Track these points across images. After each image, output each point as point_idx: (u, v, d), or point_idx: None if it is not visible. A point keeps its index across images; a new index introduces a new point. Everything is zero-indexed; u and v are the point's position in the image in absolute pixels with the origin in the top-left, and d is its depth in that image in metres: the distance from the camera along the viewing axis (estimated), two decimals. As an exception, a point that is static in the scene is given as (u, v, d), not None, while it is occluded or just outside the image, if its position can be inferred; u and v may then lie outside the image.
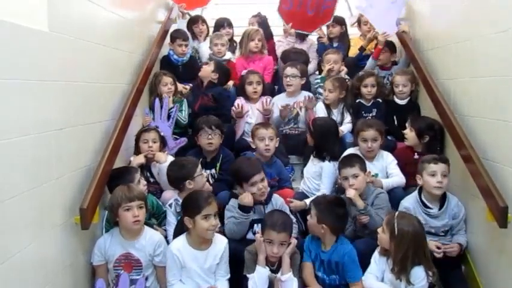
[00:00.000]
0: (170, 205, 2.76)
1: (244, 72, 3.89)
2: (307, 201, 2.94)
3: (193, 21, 4.49)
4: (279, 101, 3.68)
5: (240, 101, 3.63)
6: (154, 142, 3.11)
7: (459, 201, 2.70)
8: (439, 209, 2.66)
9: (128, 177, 2.65)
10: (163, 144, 3.20)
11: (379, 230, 2.37)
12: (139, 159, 3.01)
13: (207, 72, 3.73)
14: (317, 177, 3.10)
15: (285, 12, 4.20)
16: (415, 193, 2.73)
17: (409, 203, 2.71)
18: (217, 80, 3.76)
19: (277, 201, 2.75)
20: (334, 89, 3.57)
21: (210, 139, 3.15)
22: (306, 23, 4.19)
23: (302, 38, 4.40)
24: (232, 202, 2.68)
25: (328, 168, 3.05)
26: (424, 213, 2.67)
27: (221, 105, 3.69)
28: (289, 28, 4.25)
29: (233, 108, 3.56)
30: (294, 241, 2.44)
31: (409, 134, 3.19)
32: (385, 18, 3.79)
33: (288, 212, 2.67)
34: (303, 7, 4.16)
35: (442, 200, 2.68)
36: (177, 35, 4.10)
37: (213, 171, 3.20)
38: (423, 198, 2.69)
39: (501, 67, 2.39)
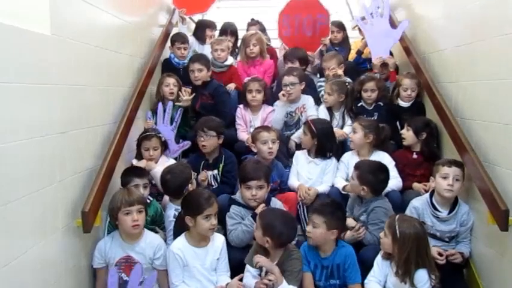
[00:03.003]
0: (175, 217, 2.71)
1: (247, 79, 3.88)
2: (320, 188, 3.03)
3: (208, 25, 4.54)
4: (280, 106, 3.65)
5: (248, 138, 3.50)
6: (155, 149, 3.12)
7: (470, 211, 2.68)
8: (449, 213, 2.66)
9: (141, 172, 2.82)
10: (164, 147, 3.22)
11: (381, 234, 2.38)
12: (141, 164, 3.04)
13: (188, 101, 3.69)
14: (319, 175, 3.14)
15: (286, 38, 4.28)
16: (427, 195, 2.75)
17: (418, 203, 2.72)
18: (209, 76, 3.78)
19: (276, 204, 2.76)
20: (332, 92, 3.57)
21: (203, 141, 3.17)
22: (307, 43, 4.24)
23: None
24: (234, 209, 2.69)
25: (333, 163, 3.16)
26: (432, 215, 2.67)
27: (219, 101, 3.71)
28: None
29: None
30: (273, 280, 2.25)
31: (407, 133, 3.21)
32: (381, 42, 3.80)
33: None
34: (301, 30, 4.25)
35: (453, 205, 2.67)
36: (176, 38, 4.13)
37: (215, 172, 3.20)
38: (434, 201, 2.69)
39: (502, 70, 2.39)
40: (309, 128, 3.19)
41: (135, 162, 3.11)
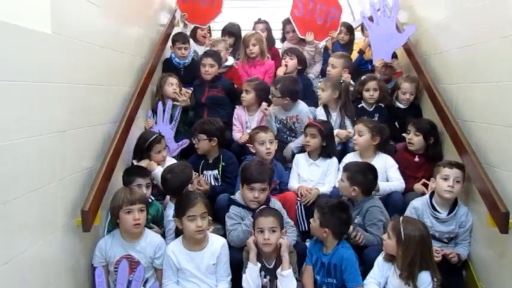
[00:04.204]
0: (174, 216, 2.70)
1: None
2: (321, 188, 3.03)
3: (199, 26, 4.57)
4: (274, 109, 3.60)
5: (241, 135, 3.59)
6: (165, 149, 3.17)
7: (469, 212, 2.68)
8: (448, 214, 2.66)
9: (144, 172, 2.83)
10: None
11: (384, 236, 2.37)
12: (143, 164, 3.03)
13: (187, 102, 3.75)
14: (320, 177, 3.15)
15: (297, 18, 4.24)
16: (427, 196, 2.75)
17: (418, 203, 2.73)
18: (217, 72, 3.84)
19: (275, 204, 2.75)
20: (326, 87, 3.54)
21: (195, 144, 3.22)
22: (316, 30, 4.23)
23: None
24: (233, 210, 2.69)
25: (335, 164, 3.17)
26: (432, 216, 2.68)
27: (231, 97, 3.77)
28: (310, 37, 4.23)
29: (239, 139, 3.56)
30: (285, 241, 2.42)
31: (415, 138, 3.17)
32: (385, 44, 3.79)
33: (285, 216, 2.68)
34: (312, 16, 4.21)
35: (453, 206, 2.68)
36: (177, 38, 4.12)
37: (215, 172, 3.22)
38: (433, 202, 2.70)
39: (503, 72, 2.39)
40: (319, 130, 3.18)
41: (135, 163, 3.10)
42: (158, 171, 2.97)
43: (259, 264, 2.41)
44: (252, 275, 2.38)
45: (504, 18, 2.40)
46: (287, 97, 3.48)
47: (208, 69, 3.78)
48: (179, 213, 2.43)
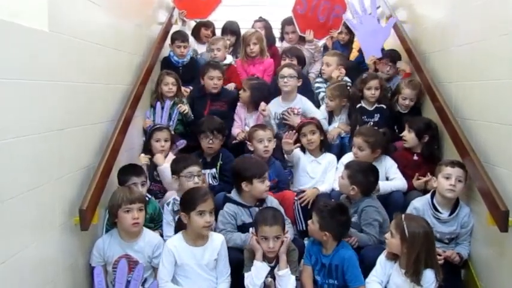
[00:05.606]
0: (168, 203, 2.76)
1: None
2: (321, 188, 3.04)
3: (203, 24, 4.60)
4: (274, 105, 3.62)
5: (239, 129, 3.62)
6: (166, 141, 3.19)
7: (471, 213, 2.67)
8: (449, 215, 2.65)
9: (139, 170, 2.80)
10: (172, 143, 3.27)
11: (387, 235, 2.35)
12: (145, 160, 3.05)
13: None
14: (322, 174, 3.17)
15: (298, 15, 4.22)
16: (428, 195, 2.74)
17: (419, 204, 2.71)
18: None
19: (273, 202, 2.75)
20: (334, 98, 3.56)
21: (211, 144, 3.20)
22: (316, 28, 4.22)
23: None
24: (228, 207, 2.67)
25: (335, 161, 3.20)
26: (433, 216, 2.65)
27: (234, 107, 3.76)
28: (309, 36, 4.24)
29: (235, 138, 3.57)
30: (287, 238, 2.43)
31: (408, 135, 3.18)
32: (372, 40, 3.79)
33: (283, 213, 2.66)
34: (315, 13, 4.20)
35: (454, 207, 2.66)
36: (176, 36, 4.12)
37: (214, 170, 3.22)
38: (435, 202, 2.68)
39: (502, 70, 2.38)
40: (316, 125, 3.24)
41: (142, 156, 3.13)
42: (165, 167, 2.97)
43: (267, 265, 2.40)
44: (259, 273, 2.37)
45: (503, 16, 2.39)
46: (301, 79, 3.60)
47: (217, 82, 3.73)
48: (188, 208, 2.40)
